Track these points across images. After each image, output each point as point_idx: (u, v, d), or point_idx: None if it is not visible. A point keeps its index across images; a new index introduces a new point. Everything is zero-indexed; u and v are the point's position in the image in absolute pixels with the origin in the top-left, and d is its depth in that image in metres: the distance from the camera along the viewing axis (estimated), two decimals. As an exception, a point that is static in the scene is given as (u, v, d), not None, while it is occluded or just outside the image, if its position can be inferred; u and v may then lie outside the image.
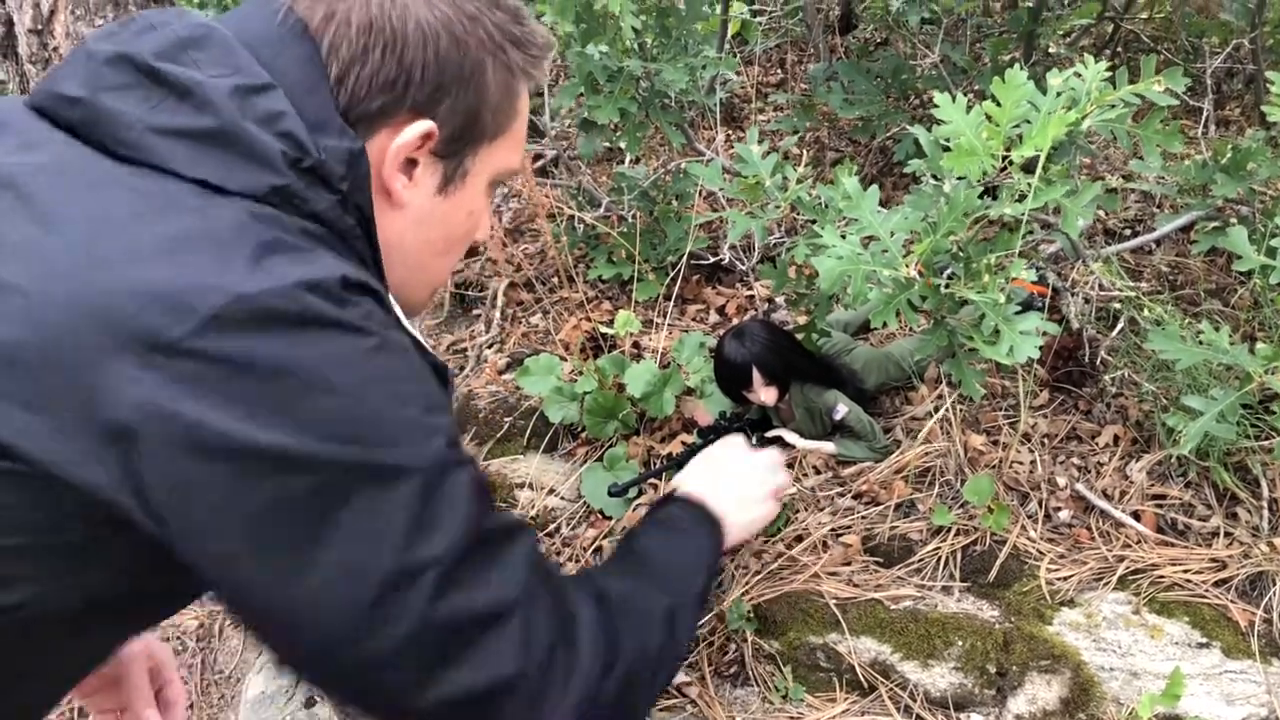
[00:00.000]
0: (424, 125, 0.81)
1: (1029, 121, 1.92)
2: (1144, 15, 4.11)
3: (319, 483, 0.67)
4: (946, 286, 1.85)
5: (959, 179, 1.96)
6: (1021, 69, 1.93)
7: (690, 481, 1.22)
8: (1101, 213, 3.00)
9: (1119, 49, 4.02)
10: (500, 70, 0.85)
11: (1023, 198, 1.90)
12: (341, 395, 0.67)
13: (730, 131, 3.86)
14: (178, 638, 3.53)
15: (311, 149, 0.75)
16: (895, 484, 2.17)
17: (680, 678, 1.85)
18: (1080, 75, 1.97)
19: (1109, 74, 1.98)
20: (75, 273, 0.64)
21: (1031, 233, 2.64)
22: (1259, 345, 1.82)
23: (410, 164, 0.84)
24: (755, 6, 4.24)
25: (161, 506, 0.65)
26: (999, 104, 1.90)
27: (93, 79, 0.74)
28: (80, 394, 0.62)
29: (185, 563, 0.68)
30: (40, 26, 3.08)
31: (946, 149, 1.93)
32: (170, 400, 0.62)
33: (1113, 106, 1.98)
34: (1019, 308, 1.82)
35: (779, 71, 4.48)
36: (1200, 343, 1.90)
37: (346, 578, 0.68)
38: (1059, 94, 1.96)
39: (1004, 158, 1.90)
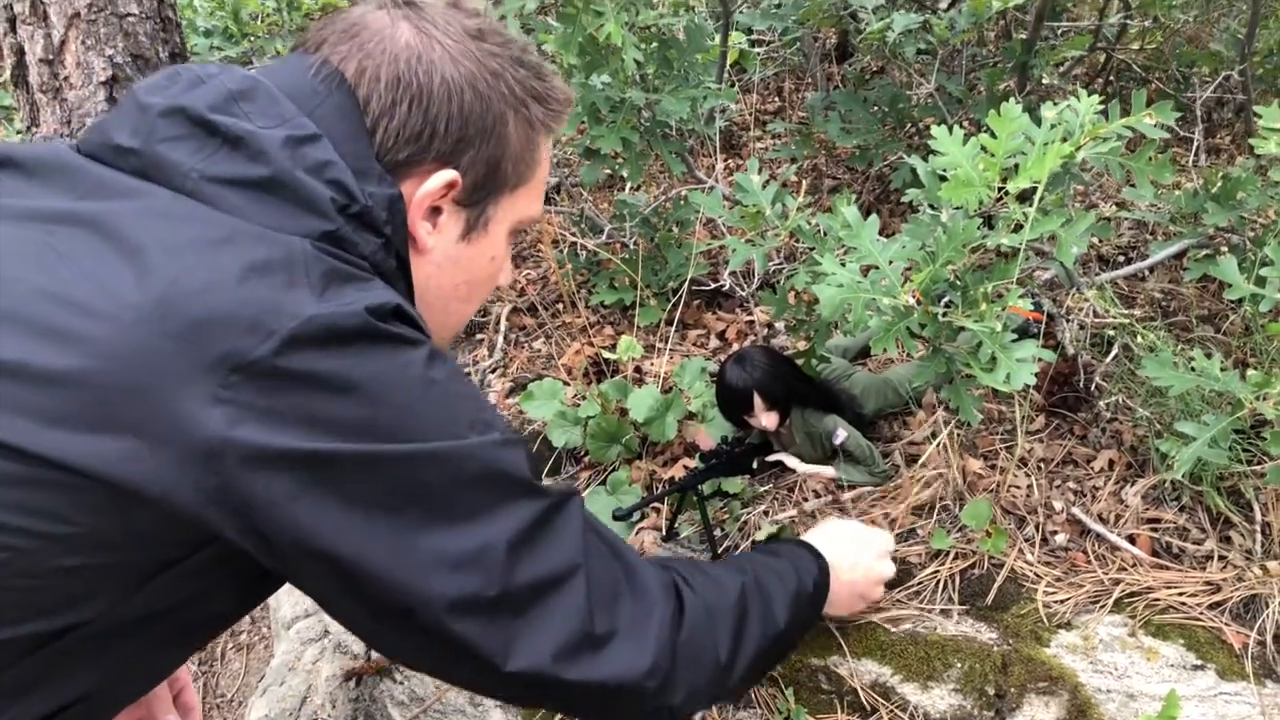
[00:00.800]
0: (448, 175, 0.86)
1: (1024, 153, 1.96)
2: (1135, 45, 4.18)
3: (398, 478, 0.73)
4: (944, 314, 1.89)
5: (956, 209, 2.00)
6: (1016, 100, 1.98)
7: (808, 535, 1.29)
8: (1095, 240, 3.04)
9: (1111, 78, 4.09)
10: (521, 124, 0.90)
11: (1019, 228, 1.94)
12: (407, 400, 0.73)
13: (729, 159, 3.91)
14: (179, 661, 3.53)
15: (359, 195, 0.80)
16: (899, 513, 2.20)
17: (683, 700, 1.87)
18: (1074, 108, 2.02)
19: (1101, 107, 2.03)
20: (155, 301, 0.68)
21: (1028, 259, 2.69)
22: (1250, 372, 1.87)
23: (435, 211, 0.89)
24: (753, 36, 4.30)
25: (261, 520, 0.69)
26: (994, 136, 1.94)
27: (147, 130, 0.78)
28: (165, 416, 0.66)
29: (279, 568, 0.73)
30: (51, 56, 3.13)
31: (943, 179, 1.97)
32: (256, 419, 0.66)
33: (1106, 139, 2.02)
34: (1015, 335, 1.86)
35: (776, 100, 4.54)
36: (1192, 370, 1.94)
37: (436, 557, 0.73)
38: (1053, 126, 2.00)
39: (1000, 188, 1.95)
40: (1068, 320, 2.58)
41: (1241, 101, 3.70)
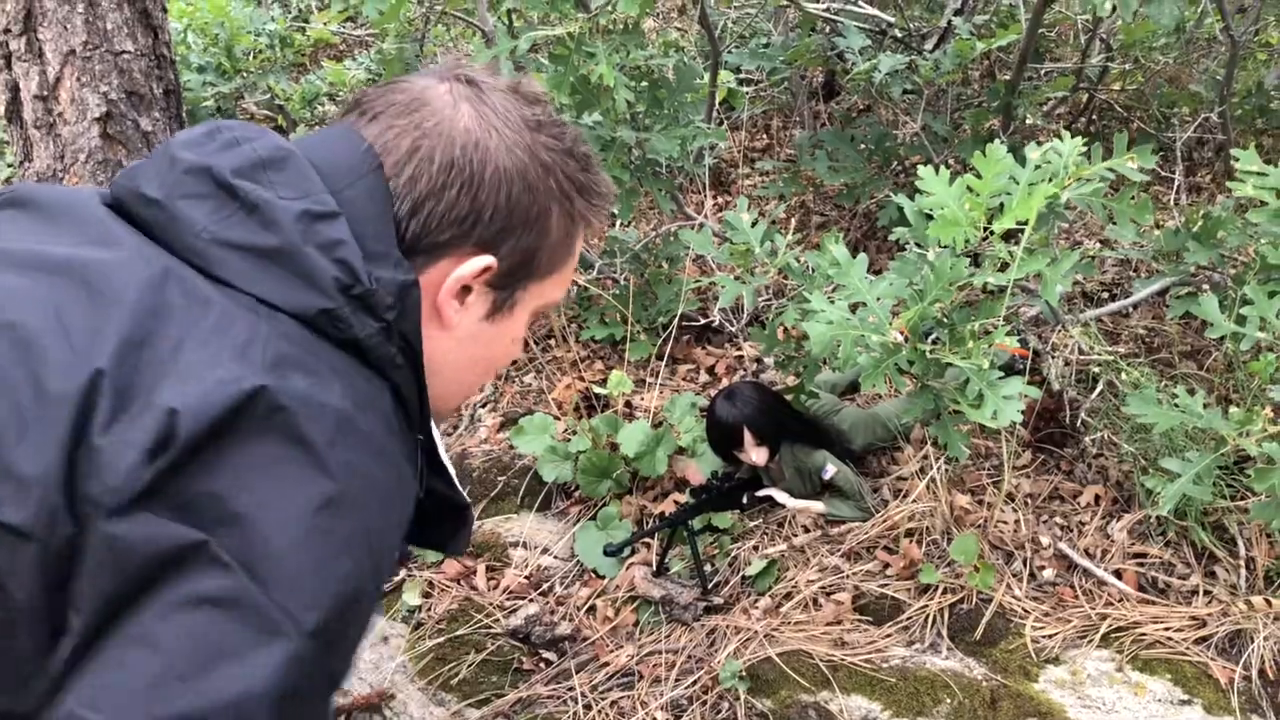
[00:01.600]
0: (485, 260, 0.87)
1: (1009, 193, 1.99)
2: (1117, 86, 4.25)
3: (205, 592, 0.66)
4: (932, 351, 1.91)
5: (943, 248, 2.03)
6: (1001, 140, 2.02)
7: None
8: (1079, 278, 3.09)
9: (1094, 118, 4.16)
10: (564, 217, 0.91)
11: (1005, 266, 1.97)
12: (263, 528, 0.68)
13: (718, 196, 3.95)
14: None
15: (364, 278, 0.80)
16: (907, 548, 2.21)
17: (674, 736, 1.88)
18: (1057, 149, 2.06)
19: (1085, 149, 2.07)
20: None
21: (1014, 297, 2.72)
22: (1232, 409, 1.90)
23: (465, 290, 0.89)
24: (742, 75, 4.36)
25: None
26: (980, 176, 1.98)
27: (172, 184, 0.80)
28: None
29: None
30: (46, 93, 3.15)
31: (930, 218, 2.01)
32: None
33: (1089, 180, 2.06)
34: (1001, 372, 1.88)
35: (765, 137, 4.59)
36: (1176, 407, 1.97)
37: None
38: (1038, 167, 2.04)
39: (986, 228, 1.98)
40: (1053, 357, 2.61)
41: (1221, 141, 3.77)
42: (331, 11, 3.61)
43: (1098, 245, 3.42)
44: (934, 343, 1.95)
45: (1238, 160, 2.06)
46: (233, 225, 0.78)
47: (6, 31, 3.10)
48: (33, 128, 3.20)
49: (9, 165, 4.08)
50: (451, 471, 0.95)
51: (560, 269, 0.97)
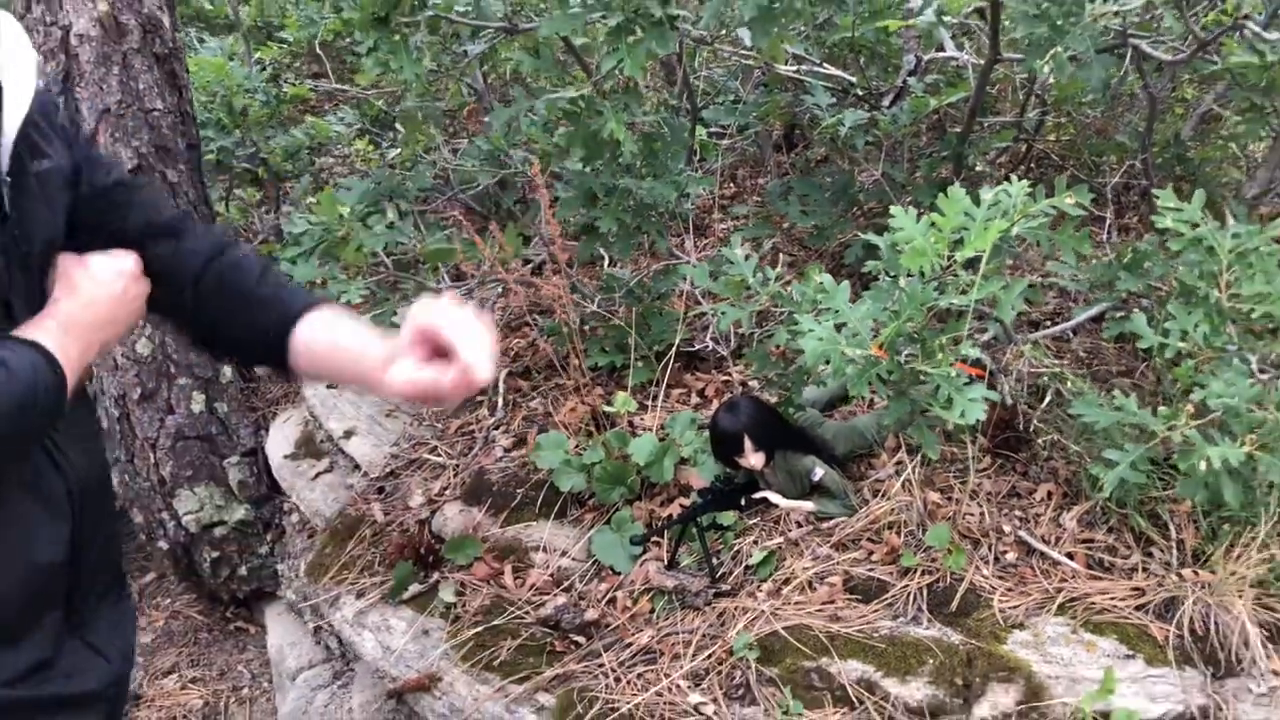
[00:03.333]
0: None
1: (967, 229, 2.34)
2: (1052, 137, 4.69)
3: None
4: (907, 363, 2.24)
5: (913, 275, 2.37)
6: (957, 185, 2.37)
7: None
8: (1027, 305, 3.46)
9: (1032, 165, 4.59)
10: None
11: (965, 290, 2.32)
12: None
13: (696, 238, 4.29)
14: (184, 716, 3.71)
15: None
16: (888, 538, 2.53)
17: (696, 699, 2.16)
18: (1007, 191, 2.42)
19: (1030, 190, 2.43)
20: None
21: (980, 319, 3.08)
22: (1160, 408, 2.25)
23: None
24: (712, 129, 4.73)
25: None
26: (943, 214, 2.33)
27: None
28: None
29: None
30: (82, 146, 3.41)
31: (900, 251, 2.35)
32: None
33: (1034, 216, 2.41)
34: (967, 379, 2.21)
35: (732, 185, 4.96)
36: (1116, 408, 2.31)
37: None
38: (992, 206, 2.39)
39: (949, 258, 2.32)
40: (1005, 375, 2.96)
41: (1144, 186, 4.19)
42: (366, 74, 3.87)
43: (1040, 278, 3.82)
44: (907, 357, 2.28)
45: (1159, 199, 2.43)
46: None
47: (49, 90, 3.36)
48: (68, 179, 3.44)
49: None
50: None
51: None
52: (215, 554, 3.75)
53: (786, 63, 3.56)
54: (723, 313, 2.59)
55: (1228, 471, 2.07)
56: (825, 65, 3.69)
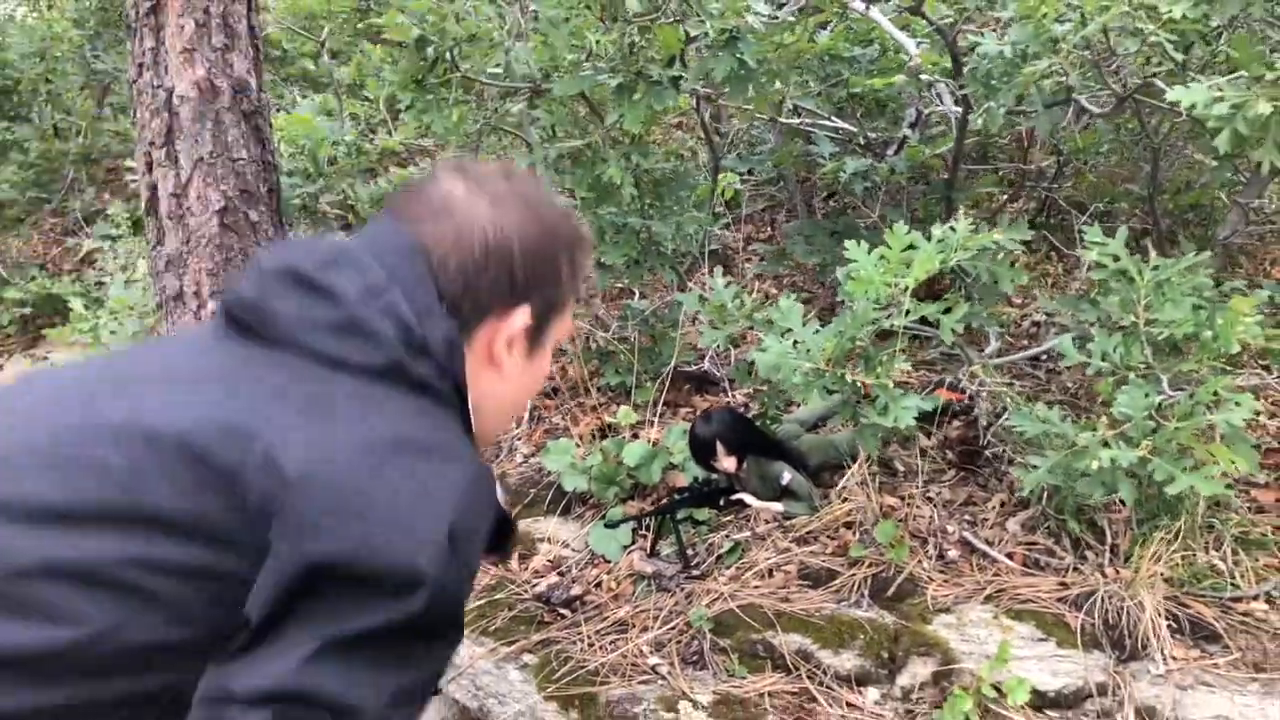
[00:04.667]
0: (524, 311, 1.09)
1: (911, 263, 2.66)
2: (1069, 184, 4.94)
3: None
4: (850, 376, 2.56)
5: (863, 300, 2.69)
6: (901, 223, 2.69)
7: None
8: (1007, 334, 3.73)
9: (1051, 213, 4.84)
10: (568, 264, 1.13)
11: (908, 313, 2.63)
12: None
13: (726, 274, 4.66)
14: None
15: (417, 330, 0.99)
16: (843, 534, 2.84)
17: (655, 660, 2.49)
18: (954, 228, 2.73)
19: (973, 227, 2.74)
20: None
21: (953, 346, 3.37)
22: (1081, 421, 2.52)
23: (511, 338, 1.11)
24: (746, 178, 5.10)
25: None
26: (890, 247, 2.66)
27: (262, 287, 1.03)
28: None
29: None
30: (179, 191, 3.95)
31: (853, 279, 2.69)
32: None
33: (973, 249, 2.70)
34: (901, 391, 2.52)
35: (769, 229, 5.33)
36: (1042, 420, 2.59)
37: None
38: (940, 240, 2.71)
39: (894, 286, 2.64)
40: (982, 398, 3.24)
41: (1148, 230, 4.41)
42: (407, 128, 4.40)
43: (1035, 314, 4.08)
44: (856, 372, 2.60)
45: (1087, 235, 2.72)
46: (312, 308, 0.99)
47: (151, 144, 3.93)
48: (166, 218, 4.00)
49: (143, 244, 4.88)
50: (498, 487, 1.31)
51: (570, 303, 1.18)
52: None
53: (786, 115, 3.92)
54: (703, 333, 2.95)
55: (1125, 472, 2.34)
56: (833, 118, 4.04)
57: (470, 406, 1.06)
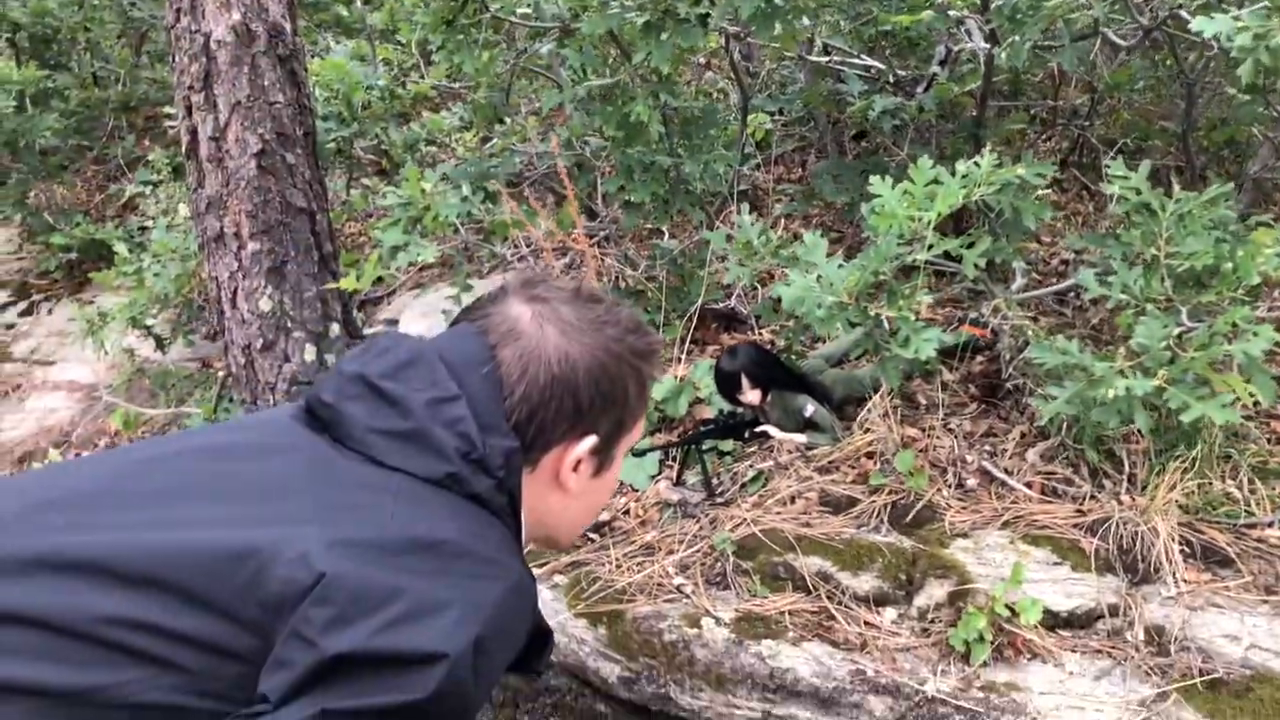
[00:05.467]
0: (591, 441, 1.11)
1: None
2: (1101, 122, 4.90)
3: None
4: (872, 310, 2.61)
5: (886, 235, 2.74)
6: (925, 157, 2.71)
7: None
8: (1035, 271, 3.75)
9: (1084, 151, 4.81)
10: (636, 383, 1.14)
11: (931, 247, 2.68)
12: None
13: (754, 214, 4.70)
14: None
15: (479, 445, 1.01)
16: (863, 463, 2.91)
17: (680, 581, 2.59)
18: (978, 163, 2.76)
19: (998, 162, 2.76)
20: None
21: (977, 282, 3.41)
22: (1098, 351, 2.56)
23: (578, 462, 1.13)
24: (778, 118, 5.11)
25: None
26: (914, 182, 2.69)
27: (339, 390, 1.08)
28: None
29: None
30: (217, 134, 4.05)
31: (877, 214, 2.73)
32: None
33: (997, 184, 2.73)
34: (923, 324, 2.57)
35: (800, 170, 5.34)
36: (1062, 352, 2.63)
37: None
38: (964, 175, 2.74)
39: (926, 222, 2.68)
40: (1005, 334, 3.28)
41: (1182, 167, 4.38)
42: (438, 70, 4.46)
43: (1044, 246, 4.11)
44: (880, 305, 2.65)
45: (1109, 169, 2.74)
46: (380, 417, 1.04)
47: (190, 88, 4.02)
48: (206, 161, 4.10)
49: (183, 189, 5.00)
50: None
51: (640, 418, 1.20)
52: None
53: (816, 54, 3.93)
54: (729, 269, 3.01)
55: (1141, 402, 2.39)
56: (863, 56, 4.04)
57: (523, 520, 1.09)
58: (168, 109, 6.05)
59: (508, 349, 1.07)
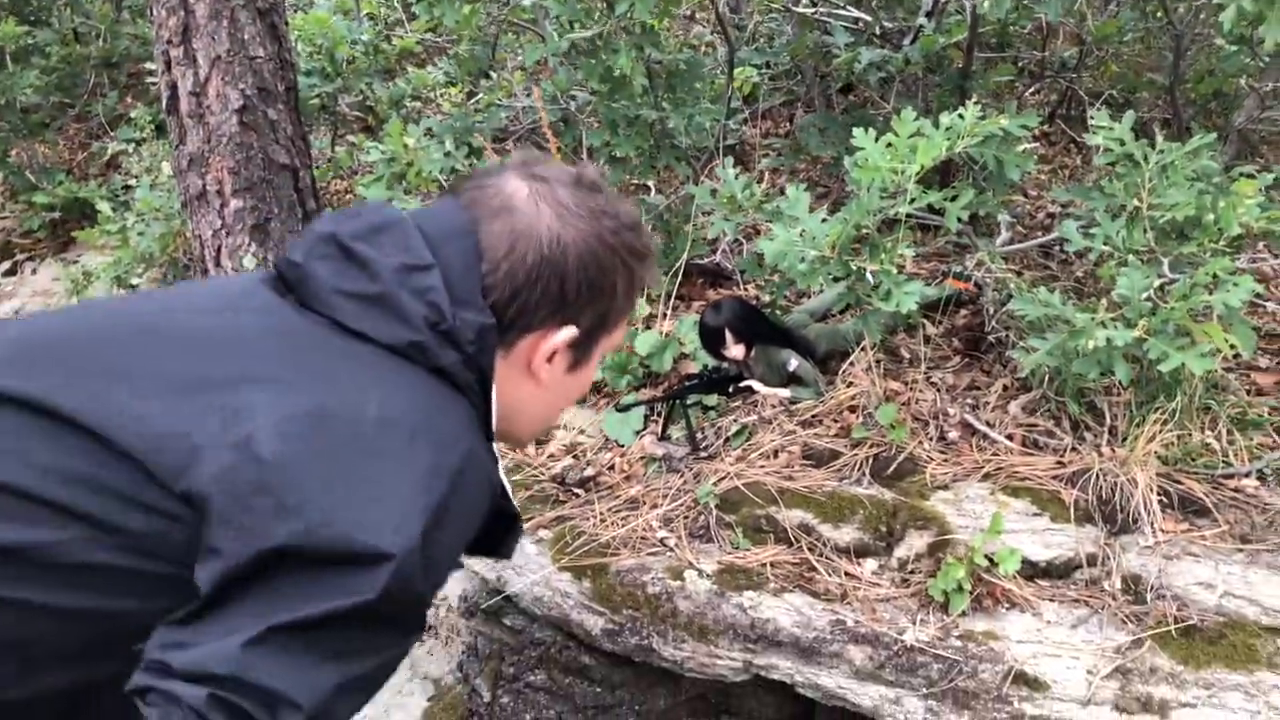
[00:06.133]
0: (570, 331, 1.06)
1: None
2: (1088, 75, 4.87)
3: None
4: (854, 262, 2.61)
5: (869, 187, 2.72)
6: (909, 109, 2.70)
7: None
8: (1019, 225, 3.74)
9: (1072, 104, 4.79)
10: (626, 280, 1.10)
11: (913, 200, 2.67)
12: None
13: (738, 169, 4.67)
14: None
15: (448, 316, 0.97)
16: (845, 416, 2.93)
17: (663, 534, 2.61)
18: (962, 115, 2.74)
19: (982, 114, 2.75)
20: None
21: (962, 236, 3.41)
22: (1079, 303, 2.56)
23: (554, 353, 1.08)
24: (765, 71, 5.06)
25: None
26: (897, 135, 2.68)
27: (309, 249, 1.03)
28: None
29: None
30: (197, 90, 4.00)
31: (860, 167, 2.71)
32: None
33: (981, 136, 2.72)
34: (905, 277, 2.58)
35: (788, 125, 5.30)
36: (1044, 304, 2.64)
37: None
38: (947, 128, 2.72)
39: (901, 172, 2.67)
40: (989, 288, 3.29)
41: (1171, 120, 4.37)
42: (419, 23, 4.41)
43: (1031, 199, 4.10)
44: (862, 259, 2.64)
45: (1093, 119, 2.73)
46: (348, 278, 1.00)
47: (169, 42, 3.97)
48: (187, 117, 4.05)
49: (166, 147, 4.95)
50: (508, 487, 1.07)
51: (624, 319, 1.15)
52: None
53: (803, 6, 3.89)
54: (713, 223, 3.00)
55: (1121, 353, 2.40)
56: (849, 8, 4.00)
57: (494, 405, 1.04)
58: (150, 65, 5.97)
59: (497, 223, 1.03)
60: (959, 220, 2.74)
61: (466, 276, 1.00)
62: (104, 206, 4.99)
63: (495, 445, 1.07)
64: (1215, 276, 2.39)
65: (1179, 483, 2.57)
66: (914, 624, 2.30)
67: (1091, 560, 2.42)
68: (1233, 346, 2.41)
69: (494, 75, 5.05)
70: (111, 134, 6.46)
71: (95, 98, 6.93)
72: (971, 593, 2.33)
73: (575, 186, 1.07)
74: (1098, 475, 2.59)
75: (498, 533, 1.05)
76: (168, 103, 4.10)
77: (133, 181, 5.47)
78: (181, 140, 4.15)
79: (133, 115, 6.01)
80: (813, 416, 2.93)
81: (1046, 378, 2.88)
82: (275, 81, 4.15)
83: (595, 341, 1.12)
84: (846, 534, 2.54)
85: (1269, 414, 2.74)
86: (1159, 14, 4.25)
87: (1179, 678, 2.11)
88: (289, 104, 4.25)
